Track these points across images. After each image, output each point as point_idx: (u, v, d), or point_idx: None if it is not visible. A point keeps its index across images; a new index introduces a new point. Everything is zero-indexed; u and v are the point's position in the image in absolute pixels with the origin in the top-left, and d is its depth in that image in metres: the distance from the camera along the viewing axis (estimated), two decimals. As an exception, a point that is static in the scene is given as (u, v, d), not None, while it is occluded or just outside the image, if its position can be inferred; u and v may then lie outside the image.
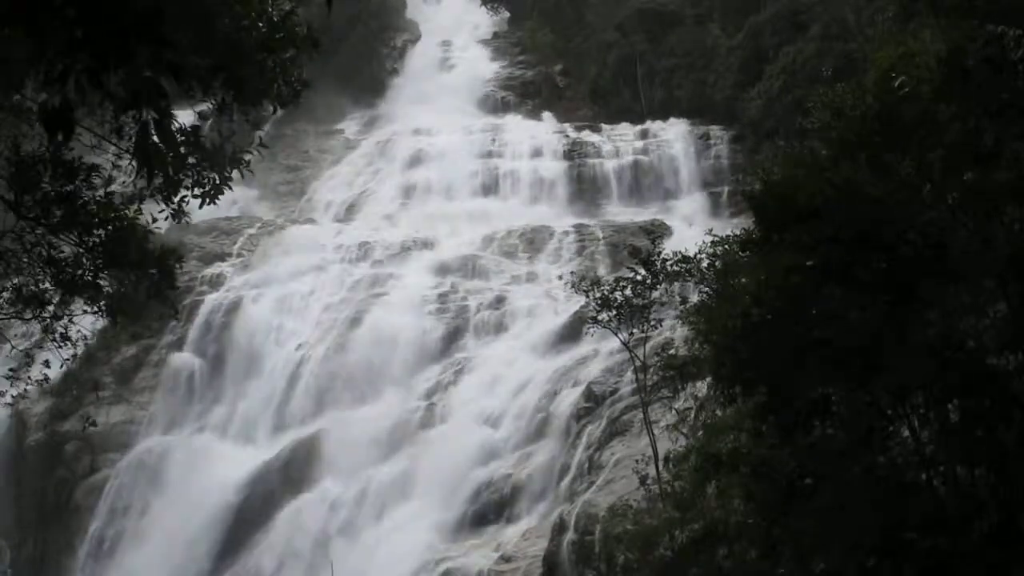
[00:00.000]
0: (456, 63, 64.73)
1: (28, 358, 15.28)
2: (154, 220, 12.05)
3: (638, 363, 25.20)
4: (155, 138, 10.68)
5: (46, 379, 15.27)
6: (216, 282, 40.10)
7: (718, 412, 19.22)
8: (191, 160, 11.21)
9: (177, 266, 12.22)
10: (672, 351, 24.93)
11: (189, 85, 10.62)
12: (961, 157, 14.00)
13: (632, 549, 20.63)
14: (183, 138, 11.12)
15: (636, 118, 53.20)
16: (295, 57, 10.79)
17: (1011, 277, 13.89)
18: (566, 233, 42.41)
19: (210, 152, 11.21)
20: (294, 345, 37.02)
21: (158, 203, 11.54)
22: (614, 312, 24.58)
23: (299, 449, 33.25)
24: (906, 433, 14.98)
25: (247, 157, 11.34)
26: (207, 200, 11.36)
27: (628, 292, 24.39)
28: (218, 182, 11.22)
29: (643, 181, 48.30)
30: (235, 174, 11.48)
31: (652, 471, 22.67)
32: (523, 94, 60.65)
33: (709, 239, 22.73)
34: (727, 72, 50.88)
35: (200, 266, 40.64)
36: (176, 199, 11.36)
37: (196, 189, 11.27)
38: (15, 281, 12.56)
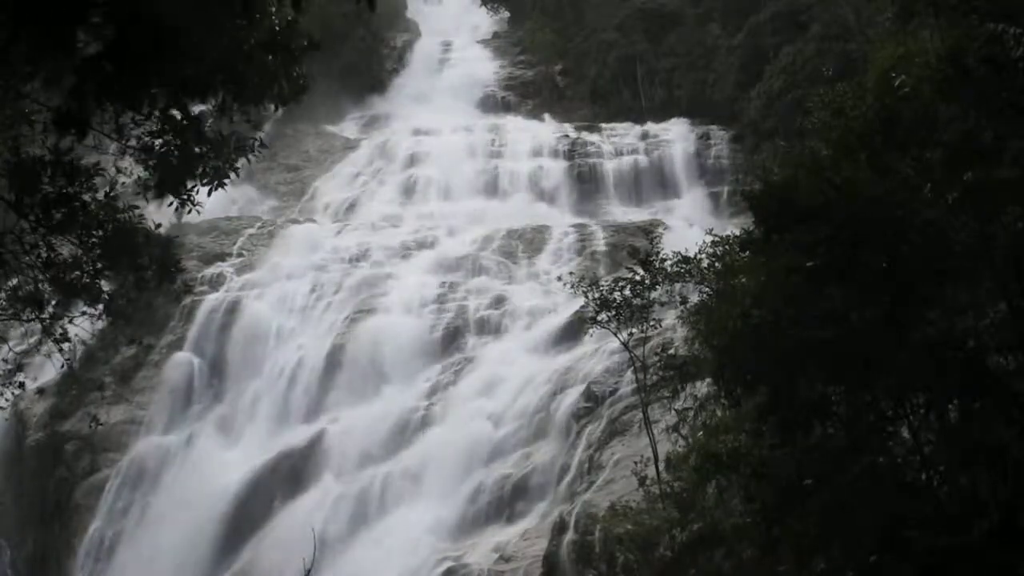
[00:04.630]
0: (456, 63, 64.70)
1: (18, 364, 15.25)
2: (158, 226, 12.05)
3: (638, 363, 25.19)
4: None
5: (20, 383, 15.22)
6: (216, 282, 40.06)
7: (718, 412, 19.22)
8: (196, 150, 11.22)
9: (176, 256, 12.23)
10: (672, 351, 24.91)
11: (189, 86, 10.65)
12: (961, 156, 14.00)
13: (632, 549, 20.65)
14: (185, 128, 11.14)
15: (636, 118, 53.17)
16: (296, 58, 10.79)
17: (1011, 277, 13.89)
18: (566, 233, 42.36)
19: (214, 142, 11.21)
20: (294, 345, 36.99)
21: (164, 194, 11.53)
22: (613, 312, 24.57)
23: (299, 449, 33.23)
24: (906, 433, 14.98)
25: (252, 141, 11.34)
26: (215, 186, 11.37)
27: (627, 292, 24.38)
28: (224, 168, 11.21)
29: (643, 181, 48.28)
30: (239, 166, 11.50)
31: (652, 471, 22.66)
32: (523, 94, 60.64)
33: (709, 239, 22.74)
34: (727, 72, 50.88)
35: (200, 266, 40.56)
36: (185, 190, 11.35)
37: (203, 179, 11.27)
38: (13, 282, 12.55)
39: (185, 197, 11.47)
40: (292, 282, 39.69)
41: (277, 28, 10.46)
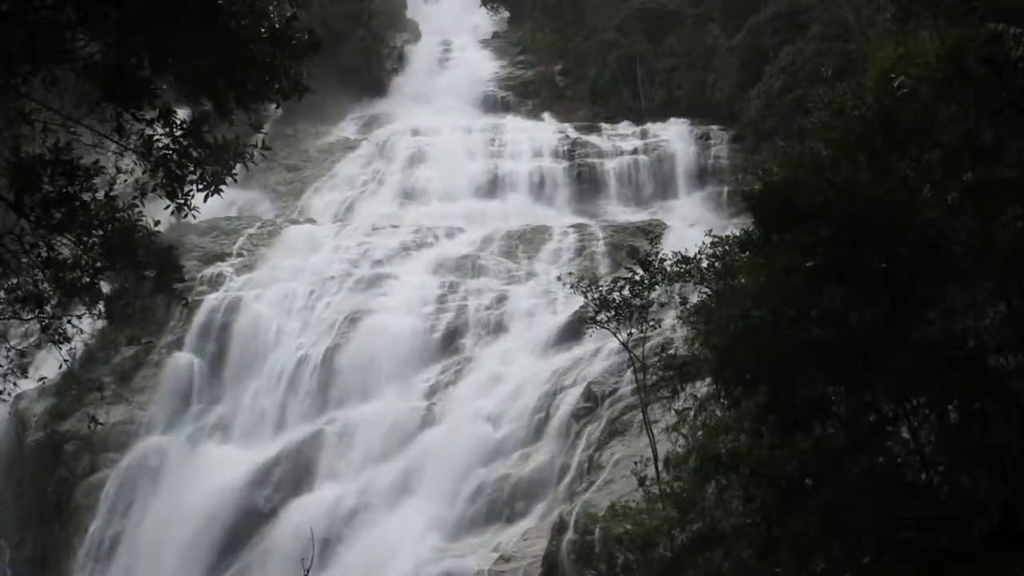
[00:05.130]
0: (456, 63, 64.67)
1: (22, 357, 15.22)
2: (156, 223, 12.03)
3: (637, 363, 25.18)
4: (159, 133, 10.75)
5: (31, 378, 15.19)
6: (216, 282, 40.06)
7: (718, 412, 19.21)
8: (195, 154, 11.22)
9: (178, 262, 12.22)
10: (672, 351, 24.91)
11: (189, 87, 10.66)
12: (960, 157, 14.01)
13: (632, 549, 20.64)
14: (185, 132, 11.14)
15: (636, 118, 53.15)
16: (296, 58, 10.79)
17: (1010, 277, 13.89)
18: (565, 233, 42.36)
19: (213, 146, 11.21)
20: (294, 345, 36.99)
21: (161, 197, 11.51)
22: (612, 312, 24.56)
23: (299, 449, 33.22)
24: (906, 433, 14.98)
25: (251, 149, 11.32)
26: (211, 192, 11.36)
27: (626, 292, 24.37)
28: (222, 173, 11.20)
29: (643, 181, 48.27)
30: (239, 170, 11.48)
31: (651, 472, 22.65)
32: (523, 94, 60.60)
33: (709, 239, 22.73)
34: (727, 72, 50.87)
35: (200, 266, 40.57)
36: (182, 193, 11.35)
37: (200, 184, 11.27)
38: (13, 281, 12.54)
39: (181, 202, 11.46)
40: (292, 282, 39.69)
41: (277, 25, 10.46)
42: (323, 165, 52.36)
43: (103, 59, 10.39)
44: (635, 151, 49.55)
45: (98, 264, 11.68)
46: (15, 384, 15.45)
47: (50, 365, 16.09)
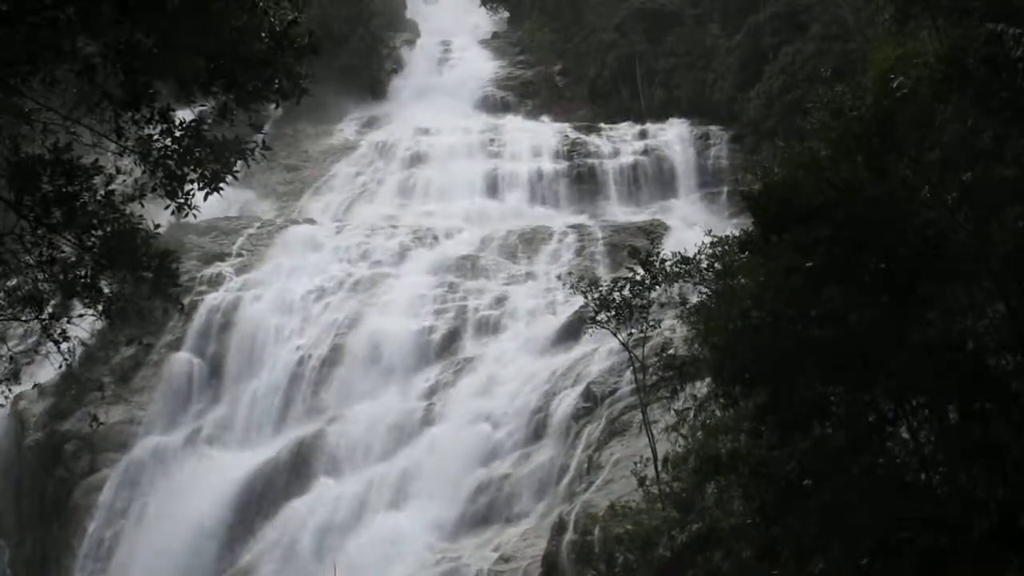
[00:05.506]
0: (456, 63, 64.76)
1: (16, 360, 15.20)
2: (157, 226, 12.02)
3: (637, 363, 25.19)
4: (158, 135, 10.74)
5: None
6: (215, 282, 40.07)
7: (717, 412, 19.22)
8: (195, 153, 11.21)
9: (175, 266, 12.18)
10: (671, 351, 24.92)
11: (189, 87, 10.65)
12: (959, 157, 14.01)
13: (631, 549, 20.64)
14: (185, 132, 11.14)
15: (635, 118, 53.19)
16: (296, 59, 10.79)
17: (1009, 277, 13.89)
18: (565, 233, 42.37)
19: (214, 145, 11.20)
20: (293, 345, 37.00)
21: (161, 197, 11.50)
22: (612, 312, 24.58)
23: (298, 449, 33.22)
24: (905, 433, 14.99)
25: (251, 146, 11.30)
26: (211, 191, 11.34)
27: (626, 292, 24.39)
28: (221, 172, 11.19)
29: (642, 181, 48.30)
30: (239, 168, 11.47)
31: (651, 472, 22.66)
32: (522, 94, 60.66)
33: (708, 239, 22.75)
34: (727, 72, 50.89)
35: (199, 266, 40.60)
36: (182, 193, 11.33)
37: (199, 183, 11.26)
38: (13, 282, 12.52)
39: (182, 201, 11.44)
40: (291, 282, 39.70)
41: (278, 28, 10.46)
42: (323, 165, 52.39)
43: (103, 60, 10.38)
44: (634, 151, 49.57)
45: (101, 262, 11.66)
46: (10, 390, 15.44)
47: (47, 370, 16.10)
